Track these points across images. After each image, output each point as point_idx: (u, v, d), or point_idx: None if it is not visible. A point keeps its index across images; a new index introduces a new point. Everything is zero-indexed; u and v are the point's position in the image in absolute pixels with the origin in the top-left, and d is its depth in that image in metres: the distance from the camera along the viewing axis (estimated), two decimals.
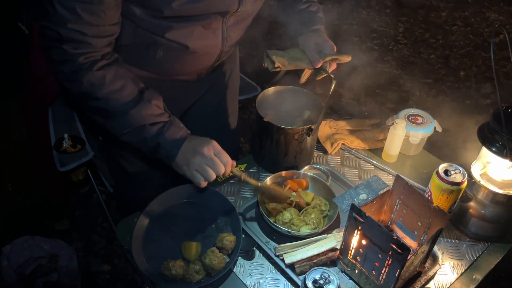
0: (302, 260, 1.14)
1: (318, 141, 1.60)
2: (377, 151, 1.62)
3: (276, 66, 1.28)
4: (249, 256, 1.24)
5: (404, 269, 1.00)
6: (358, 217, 1.04)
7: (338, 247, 1.16)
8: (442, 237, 1.31)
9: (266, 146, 1.45)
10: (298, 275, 1.15)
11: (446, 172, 1.21)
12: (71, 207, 2.39)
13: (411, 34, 4.14)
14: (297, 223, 1.25)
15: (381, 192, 1.17)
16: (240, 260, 1.22)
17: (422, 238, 1.14)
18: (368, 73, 3.44)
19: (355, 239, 1.09)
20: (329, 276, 1.01)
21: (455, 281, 1.20)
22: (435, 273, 1.19)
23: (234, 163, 1.19)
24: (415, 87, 3.32)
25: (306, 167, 1.45)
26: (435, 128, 1.56)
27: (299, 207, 1.30)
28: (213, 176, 1.14)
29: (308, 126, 1.35)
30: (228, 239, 1.19)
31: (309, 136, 1.37)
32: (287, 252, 1.17)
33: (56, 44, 1.00)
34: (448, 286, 1.18)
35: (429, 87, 3.39)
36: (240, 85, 1.74)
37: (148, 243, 1.21)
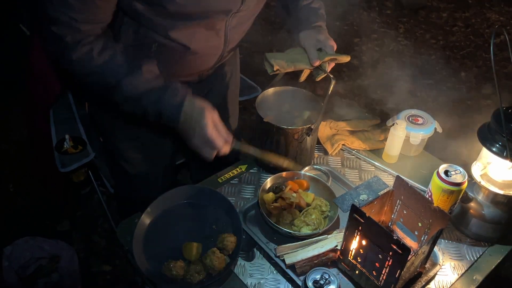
0: (302, 260, 1.14)
1: (318, 142, 1.60)
2: (377, 152, 1.62)
3: (275, 69, 1.28)
4: (250, 257, 1.24)
5: (404, 269, 1.00)
6: (359, 218, 1.04)
7: (339, 247, 1.17)
8: (443, 238, 1.31)
9: (267, 147, 1.45)
10: (298, 275, 1.15)
11: (446, 172, 1.21)
12: (72, 207, 2.39)
13: (412, 35, 4.15)
14: (298, 224, 1.25)
15: (382, 192, 1.17)
16: (241, 261, 1.22)
17: (422, 238, 1.14)
18: (369, 74, 3.45)
19: (355, 240, 1.09)
20: (329, 277, 1.01)
21: (455, 281, 1.20)
22: (435, 274, 1.19)
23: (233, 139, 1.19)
24: (415, 88, 3.32)
25: (306, 168, 1.45)
26: (435, 128, 1.56)
27: (299, 208, 1.30)
28: (219, 149, 1.14)
29: (308, 126, 1.35)
30: (229, 239, 1.19)
31: (308, 136, 1.37)
32: (288, 253, 1.18)
33: (46, 25, 1.01)
34: (448, 286, 1.18)
35: (430, 87, 3.38)
36: (241, 86, 1.74)
37: (148, 244, 1.21)
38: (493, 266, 1.25)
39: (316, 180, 1.38)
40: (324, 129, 1.65)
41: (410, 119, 1.57)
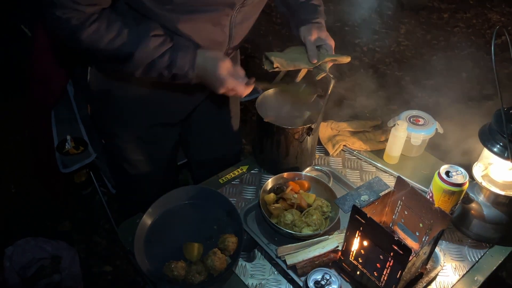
0: (303, 261, 1.15)
1: (319, 143, 1.60)
2: (378, 153, 1.62)
3: (274, 66, 1.28)
4: (251, 258, 1.24)
5: (405, 270, 1.00)
6: (360, 219, 1.04)
7: (340, 248, 1.17)
8: (444, 239, 1.31)
9: (267, 147, 1.45)
10: (299, 276, 1.15)
11: (447, 173, 1.21)
12: (73, 208, 2.39)
13: (413, 35, 4.15)
14: (299, 225, 1.25)
15: (383, 193, 1.17)
16: (242, 261, 1.22)
17: (423, 239, 1.14)
18: (370, 75, 3.45)
19: (356, 241, 1.09)
20: (330, 277, 1.01)
21: (456, 282, 1.20)
22: (436, 275, 1.19)
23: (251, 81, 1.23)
24: (416, 89, 3.32)
25: (307, 169, 1.45)
26: (436, 129, 1.56)
27: (301, 209, 1.30)
28: (241, 94, 1.21)
29: (308, 125, 1.35)
30: (230, 240, 1.19)
31: (309, 135, 1.37)
32: (289, 254, 1.18)
33: (50, 10, 1.02)
34: (449, 287, 1.18)
35: (431, 88, 3.38)
36: None
37: (150, 244, 1.21)
38: (494, 267, 1.25)
39: (317, 181, 1.38)
40: (325, 129, 1.65)
41: (411, 119, 1.57)
